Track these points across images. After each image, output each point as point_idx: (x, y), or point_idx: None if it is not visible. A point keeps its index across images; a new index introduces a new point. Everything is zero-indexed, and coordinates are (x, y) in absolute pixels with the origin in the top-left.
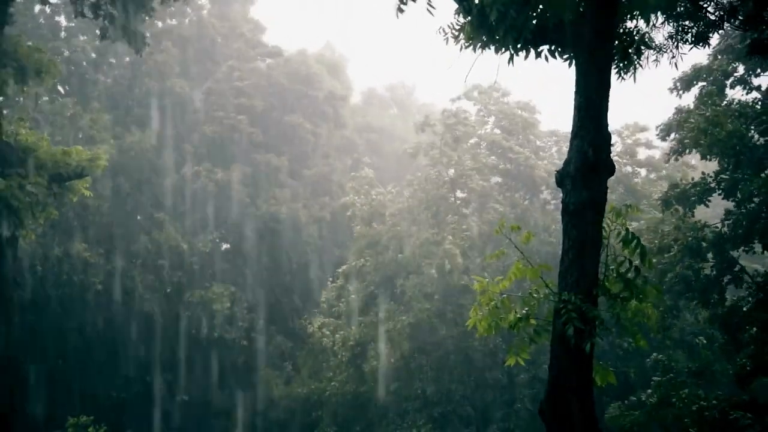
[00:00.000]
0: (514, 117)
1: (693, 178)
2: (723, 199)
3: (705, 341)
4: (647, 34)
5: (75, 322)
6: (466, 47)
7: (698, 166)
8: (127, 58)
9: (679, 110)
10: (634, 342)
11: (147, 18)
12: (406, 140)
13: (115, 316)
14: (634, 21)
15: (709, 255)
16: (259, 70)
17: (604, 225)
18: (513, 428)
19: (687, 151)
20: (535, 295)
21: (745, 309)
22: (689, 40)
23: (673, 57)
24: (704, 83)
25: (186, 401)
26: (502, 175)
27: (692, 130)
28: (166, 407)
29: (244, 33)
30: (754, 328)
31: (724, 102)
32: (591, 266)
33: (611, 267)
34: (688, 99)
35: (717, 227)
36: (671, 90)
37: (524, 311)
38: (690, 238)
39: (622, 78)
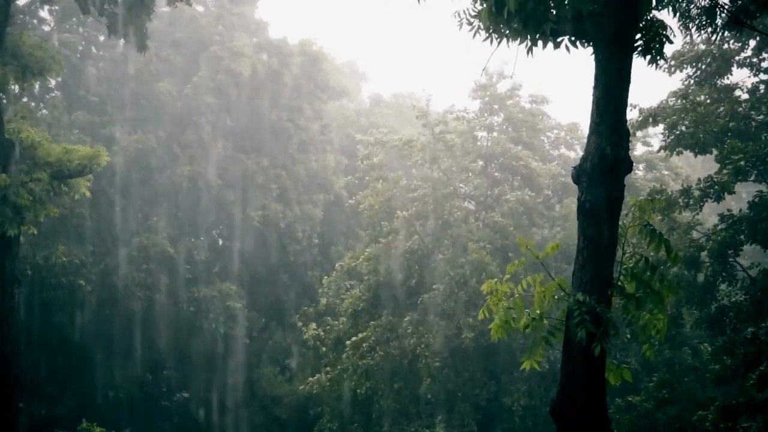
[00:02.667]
0: (523, 119)
1: (683, 185)
2: (713, 202)
3: (710, 348)
4: (669, 27)
5: (71, 321)
6: (485, 38)
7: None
8: (111, 52)
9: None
10: (642, 351)
11: (148, 19)
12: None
13: (114, 316)
14: (658, 12)
15: (704, 254)
16: (246, 67)
17: (622, 222)
18: (516, 429)
19: (677, 149)
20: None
21: (743, 308)
22: (720, 21)
23: (714, 32)
24: (697, 67)
25: (186, 399)
26: (501, 170)
27: (677, 123)
28: (165, 405)
29: (233, 35)
30: (750, 330)
31: (725, 82)
32: (606, 266)
33: (627, 266)
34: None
35: (712, 232)
36: (664, 69)
37: (537, 312)
38: (692, 249)
39: (655, 62)
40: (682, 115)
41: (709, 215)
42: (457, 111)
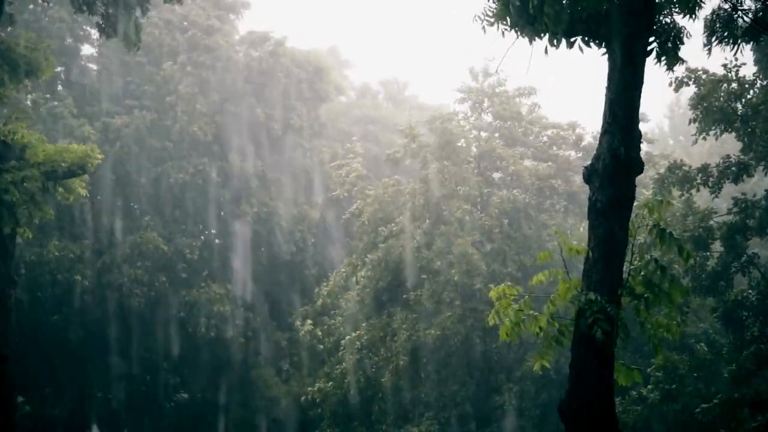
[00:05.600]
0: (510, 116)
1: (705, 163)
2: (730, 183)
3: (706, 348)
4: (684, 29)
5: (69, 320)
6: (506, 32)
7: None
8: (98, 47)
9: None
10: (654, 355)
11: (141, 19)
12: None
13: (111, 315)
14: (673, 15)
15: (717, 242)
16: (232, 60)
17: (632, 222)
18: (512, 429)
19: (705, 132)
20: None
21: (753, 300)
22: (738, 33)
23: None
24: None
25: (185, 399)
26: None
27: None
28: (163, 406)
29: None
30: (756, 327)
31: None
32: (616, 265)
33: (637, 266)
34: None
35: (726, 216)
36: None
37: (554, 308)
38: (701, 230)
39: (669, 68)
40: (717, 86)
41: (724, 202)
42: (449, 112)
